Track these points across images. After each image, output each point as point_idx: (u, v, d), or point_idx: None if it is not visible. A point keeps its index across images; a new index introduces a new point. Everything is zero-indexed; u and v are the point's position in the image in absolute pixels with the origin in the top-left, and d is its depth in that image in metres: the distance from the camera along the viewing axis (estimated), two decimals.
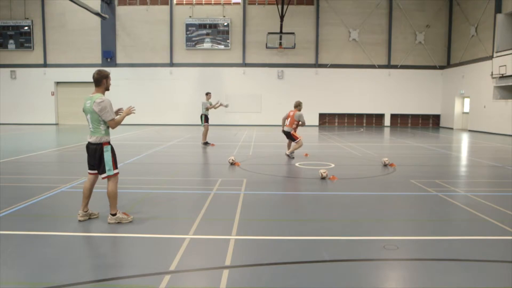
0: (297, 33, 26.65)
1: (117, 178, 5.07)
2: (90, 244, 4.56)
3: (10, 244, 4.28)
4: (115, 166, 5.00)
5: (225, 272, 3.61)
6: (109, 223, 4.97)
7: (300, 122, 11.12)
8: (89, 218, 5.17)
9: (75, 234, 4.70)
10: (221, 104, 14.13)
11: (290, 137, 11.16)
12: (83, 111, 5.04)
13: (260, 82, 27.65)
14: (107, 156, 4.93)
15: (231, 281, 3.44)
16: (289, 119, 11.13)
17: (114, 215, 4.99)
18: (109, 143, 4.99)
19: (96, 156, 4.96)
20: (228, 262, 3.85)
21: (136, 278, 3.50)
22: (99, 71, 5.03)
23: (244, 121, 27.74)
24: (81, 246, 4.41)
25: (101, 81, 4.98)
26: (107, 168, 4.94)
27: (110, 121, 4.89)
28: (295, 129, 11.15)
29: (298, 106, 11.15)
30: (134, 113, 5.08)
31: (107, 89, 5.09)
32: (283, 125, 11.28)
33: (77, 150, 12.80)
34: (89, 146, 5.01)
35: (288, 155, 11.04)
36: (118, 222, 4.97)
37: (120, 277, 3.55)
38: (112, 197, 4.99)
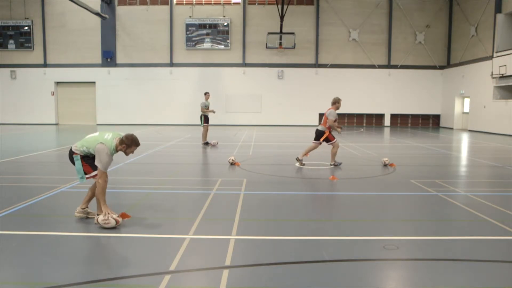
0: (297, 33, 26.64)
1: (102, 180, 4.87)
2: (90, 244, 4.56)
3: (10, 244, 4.27)
4: (90, 170, 4.99)
5: (225, 272, 3.61)
6: (95, 223, 4.90)
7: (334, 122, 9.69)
8: (87, 217, 5.17)
9: (75, 234, 4.70)
10: (212, 111, 14.24)
11: (321, 136, 9.78)
12: (99, 131, 5.11)
13: (260, 82, 27.65)
14: (78, 164, 5.01)
15: (231, 281, 3.44)
16: (324, 117, 9.90)
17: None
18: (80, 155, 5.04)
19: (72, 163, 5.10)
20: (228, 262, 3.85)
21: (136, 278, 3.50)
22: (130, 137, 4.95)
23: (244, 121, 27.74)
24: (81, 246, 4.41)
25: (122, 144, 4.94)
26: (79, 176, 5.05)
27: (101, 172, 4.83)
28: (329, 129, 9.77)
29: (335, 103, 9.77)
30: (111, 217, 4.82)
31: (125, 153, 5.06)
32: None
33: None
34: (68, 153, 5.15)
35: (333, 165, 9.77)
36: (104, 224, 4.79)
37: (120, 277, 3.55)
38: (98, 198, 4.98)
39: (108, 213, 4.79)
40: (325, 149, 14.16)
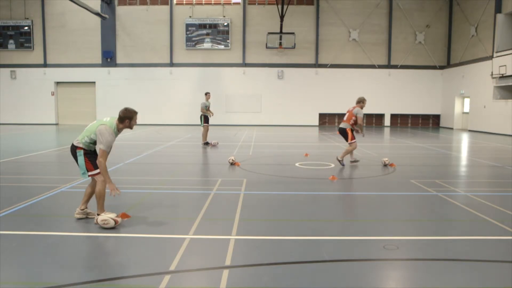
0: (297, 33, 26.64)
1: (103, 159, 4.91)
2: (90, 244, 4.56)
3: (10, 244, 4.27)
4: (92, 168, 4.99)
5: (225, 272, 3.61)
6: (94, 223, 4.92)
7: (357, 121, 9.70)
8: (87, 217, 5.17)
9: (75, 234, 4.70)
10: (210, 113, 14.22)
11: (344, 135, 9.84)
12: (98, 119, 5.09)
13: (260, 82, 27.65)
14: (80, 160, 5.00)
15: (231, 281, 3.44)
16: (347, 114, 9.92)
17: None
18: (83, 149, 5.02)
19: (74, 158, 5.08)
20: (228, 262, 3.85)
21: (136, 278, 3.50)
22: (126, 110, 4.99)
23: (244, 121, 27.74)
24: (81, 246, 4.41)
25: (123, 120, 4.98)
26: (81, 171, 5.04)
27: (102, 151, 4.83)
28: (352, 126, 9.81)
29: (360, 102, 9.74)
30: (118, 194, 4.91)
31: (129, 127, 5.07)
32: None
33: None
34: (71, 148, 5.14)
35: (339, 160, 9.77)
36: (103, 224, 4.80)
37: (120, 277, 3.55)
38: (98, 197, 4.99)
39: (115, 190, 4.83)
40: (326, 149, 14.17)
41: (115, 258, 4.11)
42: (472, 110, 24.27)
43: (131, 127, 5.09)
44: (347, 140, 9.97)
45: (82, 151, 5.01)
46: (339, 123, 28.44)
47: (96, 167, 5.00)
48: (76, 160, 5.05)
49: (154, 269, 3.67)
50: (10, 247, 4.18)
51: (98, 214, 4.97)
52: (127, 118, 4.98)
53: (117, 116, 5.04)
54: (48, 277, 3.51)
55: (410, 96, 27.86)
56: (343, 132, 9.94)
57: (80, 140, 5.00)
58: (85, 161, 5.00)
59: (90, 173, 5.02)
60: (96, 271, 3.70)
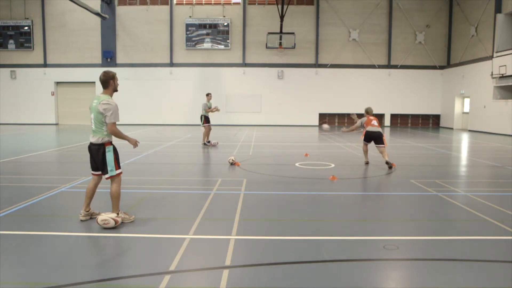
0: (297, 33, 26.65)
1: (120, 178, 5.04)
2: (90, 244, 4.56)
3: (10, 244, 4.27)
4: (117, 166, 4.97)
5: (225, 272, 3.61)
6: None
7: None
8: (91, 218, 5.16)
9: (75, 234, 4.70)
10: (217, 109, 14.18)
11: (380, 140, 9.69)
12: (89, 109, 5.01)
13: (260, 82, 27.66)
14: (109, 156, 4.90)
15: (231, 281, 3.44)
16: (374, 120, 9.90)
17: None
18: (111, 143, 4.96)
19: (99, 157, 4.92)
20: (228, 262, 3.85)
21: (136, 278, 3.50)
22: (104, 72, 5.00)
23: (244, 121, 27.74)
24: (81, 246, 4.41)
25: (108, 82, 4.95)
26: (109, 168, 4.90)
27: (111, 124, 4.83)
28: None
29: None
30: (137, 145, 5.33)
31: (115, 90, 5.05)
32: (374, 126, 9.84)
33: (77, 150, 12.80)
34: (91, 146, 4.99)
35: (388, 164, 9.42)
36: (121, 222, 4.94)
37: (120, 277, 3.55)
38: (115, 198, 4.98)
39: (136, 143, 5.27)
40: (326, 149, 14.17)
41: (115, 258, 4.11)
42: (472, 110, 24.27)
43: (116, 88, 5.05)
44: (382, 144, 9.69)
45: (111, 147, 4.93)
46: (339, 123, 28.48)
47: (119, 167, 4.99)
48: (103, 159, 4.89)
49: (154, 269, 3.67)
50: (10, 247, 4.19)
51: (117, 214, 4.91)
52: (110, 78, 4.94)
53: (101, 93, 5.02)
54: (48, 277, 3.51)
55: (410, 96, 27.87)
56: (380, 136, 9.74)
57: (101, 136, 4.87)
58: (113, 157, 4.92)
59: (115, 172, 4.95)
60: (96, 271, 3.70)
